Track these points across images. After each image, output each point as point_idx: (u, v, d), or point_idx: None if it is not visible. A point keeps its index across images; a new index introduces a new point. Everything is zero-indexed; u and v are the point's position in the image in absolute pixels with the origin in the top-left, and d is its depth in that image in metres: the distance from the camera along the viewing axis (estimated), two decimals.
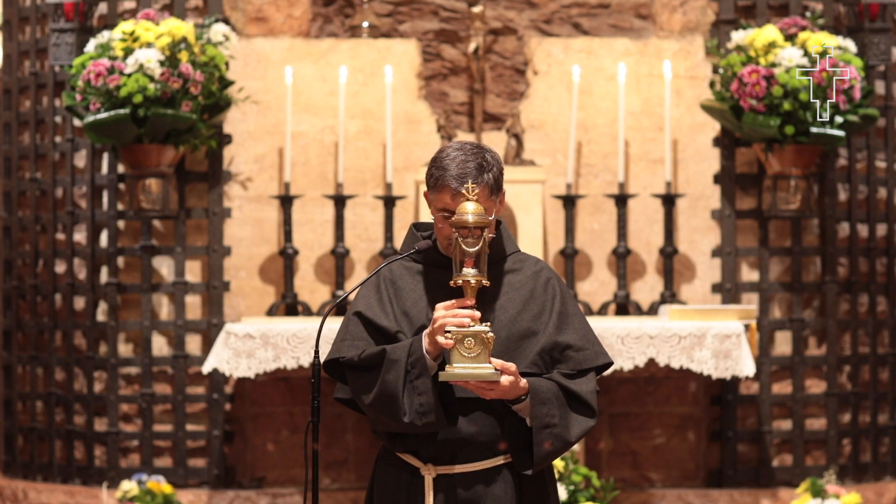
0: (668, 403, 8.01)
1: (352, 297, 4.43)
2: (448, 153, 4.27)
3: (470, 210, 4.14)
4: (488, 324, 4.16)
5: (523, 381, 4.18)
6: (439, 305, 4.16)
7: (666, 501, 7.86)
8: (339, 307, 7.69)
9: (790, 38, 7.75)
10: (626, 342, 7.33)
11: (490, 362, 4.12)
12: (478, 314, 4.14)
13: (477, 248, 4.13)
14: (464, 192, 4.17)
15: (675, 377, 7.91)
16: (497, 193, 4.28)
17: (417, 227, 4.44)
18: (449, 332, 4.12)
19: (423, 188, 4.36)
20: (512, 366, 4.16)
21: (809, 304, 8.08)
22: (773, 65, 7.62)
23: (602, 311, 7.94)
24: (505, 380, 4.13)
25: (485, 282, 4.15)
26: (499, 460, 4.28)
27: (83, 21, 7.87)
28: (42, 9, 8.23)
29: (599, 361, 4.31)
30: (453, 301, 4.16)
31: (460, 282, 4.14)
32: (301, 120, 8.03)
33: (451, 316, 4.12)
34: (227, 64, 7.77)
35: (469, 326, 4.12)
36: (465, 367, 4.11)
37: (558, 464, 7.20)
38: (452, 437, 4.25)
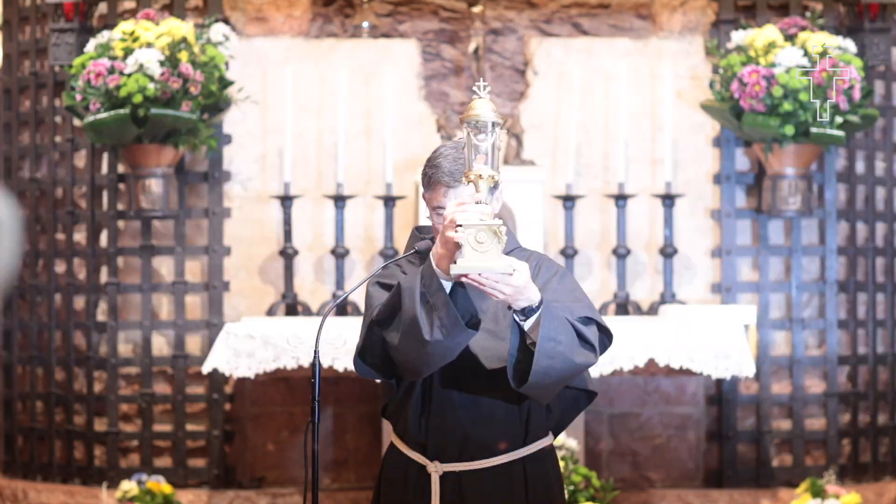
0: (668, 403, 8.01)
1: (352, 297, 4.40)
2: (441, 151, 4.28)
3: (480, 105, 4.06)
4: (501, 220, 4.03)
5: (536, 289, 4.07)
6: (449, 204, 4.08)
7: (666, 501, 7.86)
8: (339, 307, 7.69)
9: (790, 38, 7.76)
10: (626, 342, 7.33)
11: (502, 258, 4.00)
12: (489, 208, 4.02)
13: (489, 142, 4.07)
14: (475, 89, 4.11)
15: (675, 377, 7.91)
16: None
17: (420, 230, 4.44)
18: (460, 226, 3.99)
19: (422, 189, 4.35)
20: (525, 265, 4.05)
21: (809, 304, 8.08)
22: (773, 65, 7.62)
23: (602, 311, 7.94)
24: (518, 277, 4.00)
25: (496, 177, 4.05)
26: (505, 458, 4.28)
27: (83, 21, 7.87)
28: (42, 9, 8.23)
29: (599, 319, 4.22)
30: (464, 198, 4.07)
31: (472, 177, 4.03)
32: (301, 120, 8.03)
33: (461, 211, 4.01)
34: (227, 64, 7.77)
35: (481, 221, 4.00)
36: (477, 260, 3.96)
37: None
38: (459, 435, 4.25)
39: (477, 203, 4.02)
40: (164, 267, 7.98)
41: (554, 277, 4.29)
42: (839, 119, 7.61)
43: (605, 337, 4.25)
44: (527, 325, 4.09)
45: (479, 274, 3.98)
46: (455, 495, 4.26)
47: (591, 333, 4.17)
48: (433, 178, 4.24)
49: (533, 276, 4.29)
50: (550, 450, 4.37)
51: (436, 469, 4.28)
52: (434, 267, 4.06)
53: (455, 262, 3.99)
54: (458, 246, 4.00)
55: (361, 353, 4.27)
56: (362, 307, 4.42)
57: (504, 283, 3.99)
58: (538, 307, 4.07)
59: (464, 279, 4.00)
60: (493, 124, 4.04)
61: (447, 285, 4.06)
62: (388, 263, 4.38)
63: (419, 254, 4.35)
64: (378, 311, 4.19)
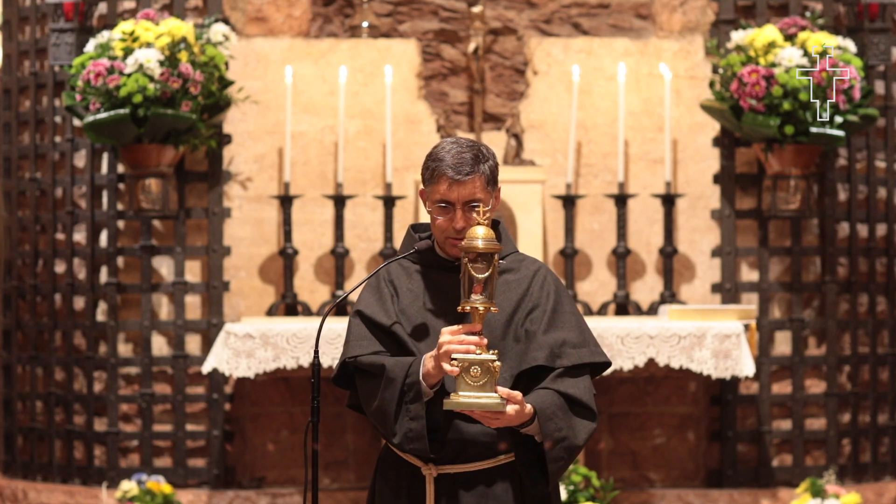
0: (668, 403, 8.01)
1: (352, 297, 4.41)
2: (443, 146, 4.30)
3: (480, 235, 4.08)
4: (495, 352, 4.09)
5: (528, 407, 4.15)
6: (445, 330, 4.12)
7: (666, 501, 7.86)
8: (339, 307, 7.69)
9: (790, 38, 7.76)
10: (625, 342, 7.33)
11: (496, 391, 4.06)
12: (485, 341, 4.08)
13: (486, 273, 4.08)
14: (474, 215, 4.13)
15: (675, 377, 7.91)
16: (493, 186, 4.28)
17: (415, 228, 4.45)
18: (455, 359, 4.06)
19: (421, 188, 4.36)
20: (517, 394, 4.12)
21: (809, 304, 8.08)
22: (773, 65, 7.62)
23: (602, 311, 7.94)
24: (510, 409, 4.10)
25: (493, 309, 4.10)
26: (500, 460, 4.28)
27: (83, 21, 7.87)
28: (42, 9, 8.23)
29: (598, 359, 4.30)
30: (460, 326, 4.11)
31: (468, 308, 4.08)
32: (301, 120, 8.03)
33: (458, 343, 4.08)
34: (226, 64, 7.77)
35: (476, 354, 4.06)
36: (471, 397, 4.05)
37: None
38: (454, 437, 4.25)
39: (471, 334, 4.08)
40: (164, 267, 7.98)
41: (548, 303, 4.32)
42: (839, 119, 7.61)
43: (600, 369, 4.34)
44: (525, 430, 4.21)
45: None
46: (450, 497, 4.25)
47: (586, 391, 4.26)
48: (437, 170, 4.25)
49: (527, 289, 4.31)
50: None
51: (430, 471, 4.27)
52: (420, 378, 4.14)
53: (448, 397, 4.07)
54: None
55: (340, 374, 4.37)
56: None
57: (496, 417, 4.10)
58: (533, 417, 4.16)
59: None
60: (492, 255, 4.07)
61: (427, 393, 4.17)
62: (381, 267, 4.38)
63: (419, 253, 4.35)
64: (356, 359, 4.27)
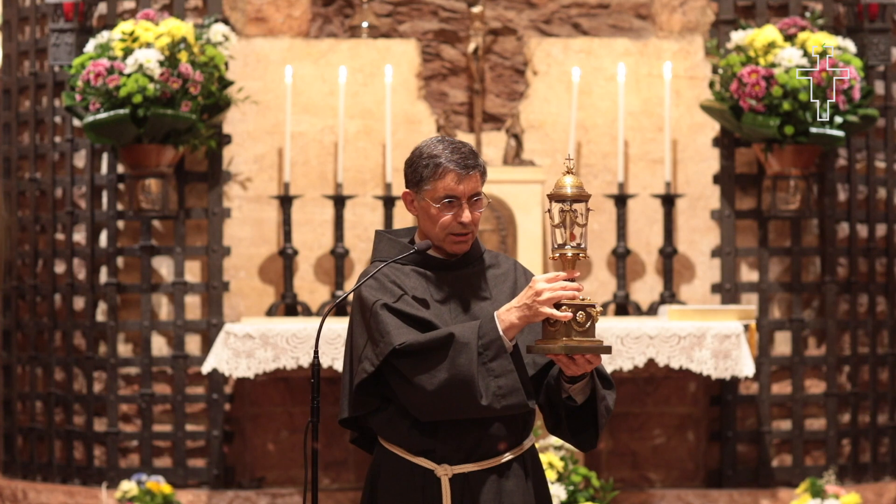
0: (668, 403, 8.01)
1: (351, 297, 4.36)
2: (433, 144, 4.29)
3: (569, 183, 4.12)
4: (590, 298, 4.15)
5: None
6: (539, 278, 4.12)
7: (666, 501, 7.86)
8: (339, 307, 7.69)
9: (790, 38, 7.76)
10: (625, 342, 7.33)
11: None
12: (583, 288, 4.13)
13: (583, 220, 4.11)
14: (565, 165, 4.15)
15: (675, 377, 7.91)
16: (484, 183, 4.31)
17: (391, 233, 4.42)
18: (564, 305, 4.07)
19: (406, 190, 4.33)
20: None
21: (809, 304, 8.08)
22: (773, 65, 7.62)
23: (602, 311, 7.92)
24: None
25: (584, 256, 4.15)
26: (511, 454, 4.29)
27: (83, 21, 7.88)
28: (42, 9, 8.23)
29: None
30: (556, 274, 4.13)
31: (570, 255, 4.11)
32: (301, 120, 8.03)
33: (561, 289, 4.09)
34: (226, 64, 7.77)
35: (581, 300, 4.10)
36: (583, 341, 4.09)
37: (558, 464, 7.21)
38: (468, 436, 4.24)
39: (571, 280, 4.11)
40: (163, 267, 7.98)
41: None
42: (839, 119, 7.61)
43: None
44: (574, 386, 4.23)
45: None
46: (466, 496, 4.24)
47: (603, 366, 4.32)
48: (439, 167, 4.23)
49: (515, 281, 4.39)
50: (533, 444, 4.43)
51: (445, 472, 4.26)
52: (500, 333, 4.11)
53: (557, 341, 4.07)
54: (548, 321, 4.09)
55: (367, 379, 4.25)
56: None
57: (591, 361, 4.14)
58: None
59: (551, 356, 4.12)
60: (584, 202, 4.11)
61: (510, 347, 4.15)
62: (377, 270, 4.31)
63: (416, 254, 4.33)
64: (408, 345, 4.17)
